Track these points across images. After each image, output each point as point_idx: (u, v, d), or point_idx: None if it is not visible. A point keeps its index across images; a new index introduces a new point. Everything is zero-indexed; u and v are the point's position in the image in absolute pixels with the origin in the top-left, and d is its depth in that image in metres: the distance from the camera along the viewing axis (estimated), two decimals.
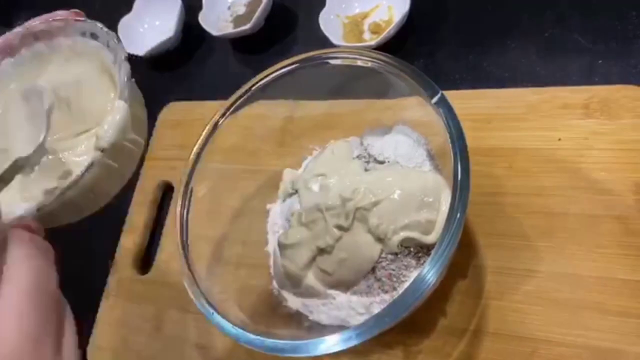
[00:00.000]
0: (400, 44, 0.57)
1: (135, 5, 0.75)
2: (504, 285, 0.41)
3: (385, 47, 0.56)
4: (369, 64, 0.42)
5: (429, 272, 0.32)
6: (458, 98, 0.38)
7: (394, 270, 0.39)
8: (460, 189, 0.33)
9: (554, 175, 0.43)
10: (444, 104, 0.37)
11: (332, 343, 0.32)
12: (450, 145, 0.35)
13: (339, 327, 0.38)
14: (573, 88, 0.45)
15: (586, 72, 0.47)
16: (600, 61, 0.47)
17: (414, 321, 0.40)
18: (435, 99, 0.37)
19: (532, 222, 0.42)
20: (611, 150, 0.42)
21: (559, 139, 0.44)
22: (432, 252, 0.33)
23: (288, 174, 0.49)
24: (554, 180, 0.43)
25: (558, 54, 0.49)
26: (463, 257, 0.43)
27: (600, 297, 0.38)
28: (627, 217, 0.39)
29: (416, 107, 0.41)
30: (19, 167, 0.34)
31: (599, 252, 0.39)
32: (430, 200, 0.38)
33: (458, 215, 0.33)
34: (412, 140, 0.45)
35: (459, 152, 0.34)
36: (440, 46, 0.56)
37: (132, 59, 0.69)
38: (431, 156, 0.43)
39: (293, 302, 0.43)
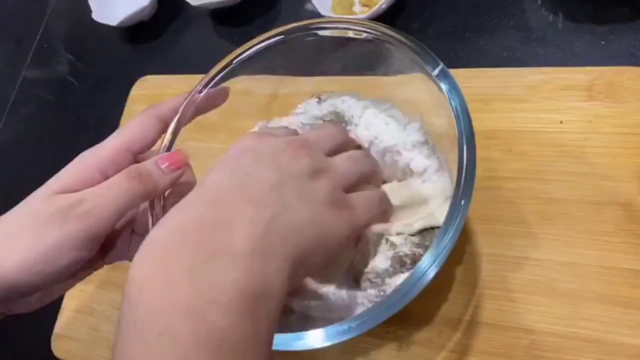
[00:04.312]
0: (392, 19, 0.54)
1: None
2: (501, 274, 0.39)
3: (376, 21, 0.53)
4: (362, 35, 0.39)
5: (431, 261, 0.30)
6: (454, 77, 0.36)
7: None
8: (466, 173, 0.31)
9: (555, 159, 0.41)
10: (445, 78, 0.34)
11: (320, 337, 0.30)
12: (454, 122, 0.33)
13: (330, 320, 0.35)
14: (576, 69, 0.43)
15: (589, 53, 0.45)
16: (603, 42, 0.45)
17: (406, 311, 0.38)
18: (435, 72, 0.35)
19: (532, 208, 0.40)
20: (615, 135, 0.40)
21: (561, 122, 0.42)
22: (434, 241, 0.30)
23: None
24: (555, 164, 0.41)
25: (559, 34, 0.47)
26: (458, 244, 0.40)
27: (602, 287, 0.37)
28: (631, 204, 0.38)
29: (413, 84, 0.38)
30: None
31: (601, 240, 0.38)
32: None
33: (462, 202, 0.31)
34: (401, 124, 0.42)
35: (463, 130, 0.32)
36: (434, 22, 0.53)
37: (103, 29, 0.65)
38: (425, 140, 0.41)
39: None
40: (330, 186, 0.30)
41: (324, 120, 0.44)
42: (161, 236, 0.25)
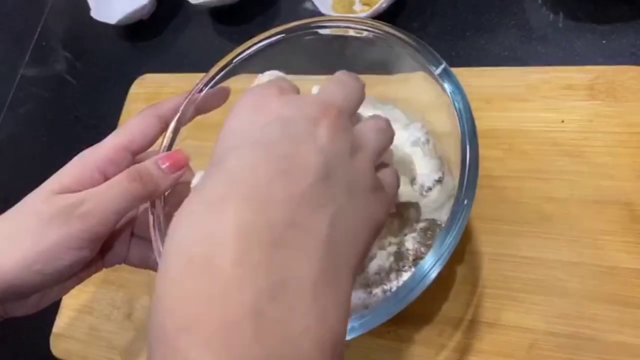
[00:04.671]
0: (393, 18, 0.54)
1: None
2: (502, 273, 0.39)
3: (376, 19, 0.53)
4: (363, 34, 0.39)
5: (434, 261, 0.30)
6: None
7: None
8: (469, 172, 0.31)
9: (556, 158, 0.41)
10: (448, 77, 0.34)
11: None
12: (456, 121, 0.32)
13: None
14: (577, 68, 0.43)
15: (589, 52, 0.45)
16: (604, 41, 0.45)
17: (407, 310, 0.38)
18: (438, 71, 0.35)
19: (533, 208, 0.40)
20: (617, 134, 0.40)
21: (562, 121, 0.42)
22: (437, 241, 0.30)
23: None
24: (556, 163, 0.41)
25: (560, 33, 0.47)
26: (459, 243, 0.40)
27: (603, 287, 0.37)
28: (632, 203, 0.38)
29: (415, 83, 0.38)
30: None
31: (602, 240, 0.38)
32: None
33: (465, 202, 0.30)
34: (400, 124, 0.42)
35: (466, 130, 0.32)
36: (435, 21, 0.53)
37: (101, 27, 0.65)
38: (427, 140, 0.40)
39: None
40: (368, 166, 0.25)
41: None
42: (202, 225, 0.20)
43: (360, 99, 0.29)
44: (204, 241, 0.19)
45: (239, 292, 0.18)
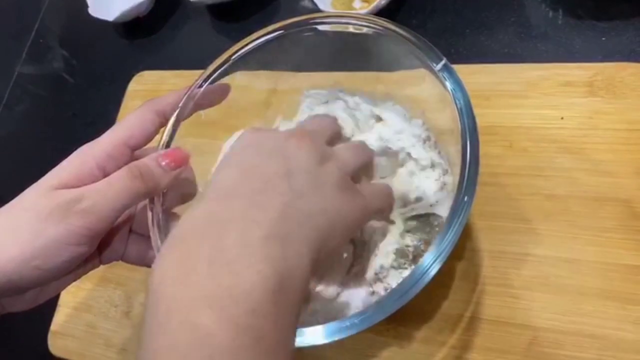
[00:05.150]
0: (392, 15, 0.54)
1: None
2: (502, 270, 0.39)
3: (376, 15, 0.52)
4: (363, 30, 0.39)
5: (434, 258, 0.29)
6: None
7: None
8: (469, 169, 0.31)
9: (556, 155, 0.41)
10: (449, 73, 0.34)
11: (321, 334, 0.30)
12: (457, 118, 0.32)
13: (331, 317, 0.35)
14: (576, 65, 0.43)
15: (589, 49, 0.45)
16: (603, 38, 0.45)
17: (407, 307, 0.38)
18: (438, 67, 0.34)
19: (533, 204, 0.40)
20: (616, 131, 0.40)
21: (562, 118, 0.42)
22: (437, 238, 0.30)
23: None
24: (556, 160, 0.41)
25: (560, 30, 0.47)
26: (459, 240, 0.40)
27: (603, 284, 0.37)
28: (632, 200, 0.38)
29: (415, 79, 0.38)
30: None
31: (602, 237, 0.38)
32: None
33: (466, 198, 0.30)
34: (400, 120, 0.42)
35: (467, 126, 0.32)
36: (434, 18, 0.53)
37: (99, 25, 0.65)
38: (427, 137, 0.40)
39: None
40: (338, 172, 0.30)
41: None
42: (178, 233, 0.26)
43: (332, 129, 0.37)
44: (184, 229, 0.26)
45: (199, 248, 0.24)
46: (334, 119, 0.39)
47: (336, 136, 0.38)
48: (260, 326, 0.22)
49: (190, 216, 0.27)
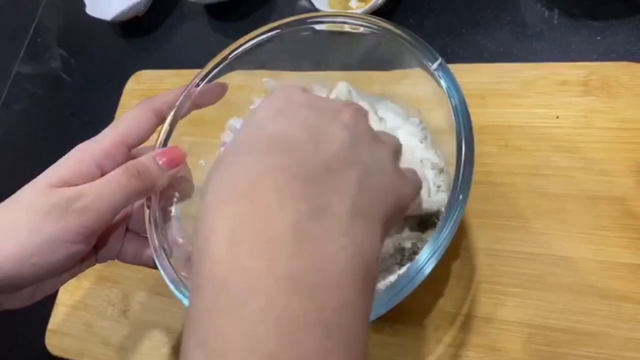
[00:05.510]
0: (388, 14, 0.54)
1: None
2: (498, 268, 0.39)
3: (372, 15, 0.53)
4: (359, 29, 0.39)
5: (429, 256, 0.30)
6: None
7: None
8: (464, 168, 0.31)
9: (551, 154, 0.41)
10: (444, 72, 0.34)
11: None
12: (452, 117, 0.32)
13: None
14: (571, 64, 0.43)
15: (584, 49, 0.45)
16: (598, 37, 0.45)
17: (403, 305, 0.38)
18: (434, 66, 0.35)
19: (528, 203, 0.40)
20: (611, 129, 0.40)
21: (557, 117, 0.42)
22: (432, 236, 0.30)
23: None
24: (551, 159, 0.41)
25: (555, 29, 0.47)
26: (454, 238, 0.41)
27: (599, 282, 0.37)
28: (627, 198, 0.38)
29: (411, 79, 0.38)
30: None
31: (597, 235, 0.38)
32: None
33: (461, 197, 0.31)
34: (397, 119, 0.42)
35: (462, 125, 0.32)
36: (430, 18, 0.53)
37: (97, 24, 0.65)
38: (424, 136, 0.41)
39: None
40: (391, 153, 0.27)
41: None
42: (247, 166, 0.22)
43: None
44: (245, 175, 0.21)
45: (281, 211, 0.20)
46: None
47: None
48: (350, 323, 0.19)
49: (248, 153, 0.22)
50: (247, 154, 0.23)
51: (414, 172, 0.31)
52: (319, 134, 0.24)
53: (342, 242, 0.20)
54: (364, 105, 0.43)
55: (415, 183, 0.30)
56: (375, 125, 0.38)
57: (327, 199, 0.21)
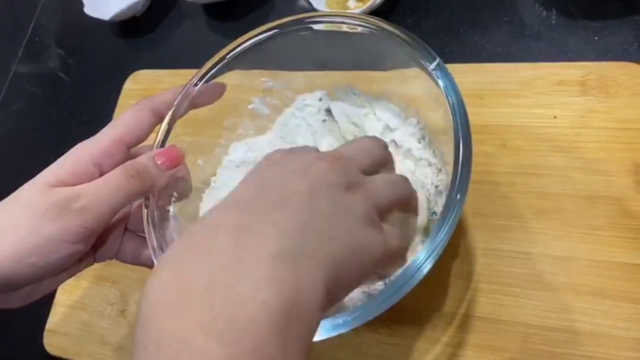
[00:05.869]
0: (386, 14, 0.54)
1: None
2: (496, 268, 0.40)
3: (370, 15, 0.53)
4: (357, 29, 0.39)
5: (427, 255, 0.30)
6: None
7: None
8: (462, 167, 0.31)
9: (549, 154, 0.41)
10: (442, 72, 0.34)
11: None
12: (450, 117, 0.33)
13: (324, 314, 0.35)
14: (569, 64, 0.43)
15: (582, 49, 0.45)
16: (596, 37, 0.45)
17: (401, 305, 0.38)
18: (432, 66, 0.35)
19: (526, 203, 0.40)
20: (609, 129, 0.40)
21: (555, 117, 0.42)
22: (430, 235, 0.30)
23: None
24: (549, 159, 0.41)
25: (553, 30, 0.47)
26: (453, 238, 0.40)
27: (595, 281, 0.37)
28: (624, 198, 0.38)
29: (409, 79, 0.38)
30: None
31: (595, 235, 0.38)
32: None
33: (458, 196, 0.31)
34: (395, 119, 0.42)
35: (460, 125, 0.32)
36: (429, 18, 0.53)
37: (95, 24, 0.65)
38: (422, 136, 0.41)
39: None
40: (366, 203, 0.27)
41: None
42: (177, 247, 0.24)
43: (373, 155, 0.32)
44: (185, 241, 0.24)
45: (199, 271, 0.22)
46: (384, 145, 0.34)
47: (381, 163, 0.32)
48: None
49: (193, 227, 0.24)
50: (203, 217, 0.25)
51: (398, 234, 0.30)
52: (276, 187, 0.26)
53: (256, 287, 0.21)
54: (336, 106, 0.43)
55: (395, 238, 0.29)
56: (387, 139, 0.39)
57: (251, 248, 0.22)
